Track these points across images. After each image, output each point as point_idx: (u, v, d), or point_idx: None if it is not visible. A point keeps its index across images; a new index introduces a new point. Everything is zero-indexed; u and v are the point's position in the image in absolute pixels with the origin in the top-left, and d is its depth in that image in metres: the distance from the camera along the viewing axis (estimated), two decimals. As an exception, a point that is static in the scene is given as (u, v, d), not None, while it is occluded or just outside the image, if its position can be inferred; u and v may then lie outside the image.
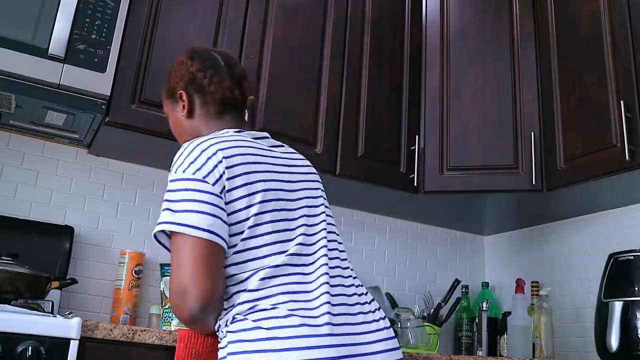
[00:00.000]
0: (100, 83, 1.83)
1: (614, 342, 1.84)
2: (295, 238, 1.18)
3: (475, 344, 2.52)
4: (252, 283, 1.11)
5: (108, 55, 1.85)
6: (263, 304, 1.09)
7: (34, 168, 2.15)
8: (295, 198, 1.23)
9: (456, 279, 2.52)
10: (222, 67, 1.36)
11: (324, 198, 1.32)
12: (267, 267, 1.12)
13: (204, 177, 1.12)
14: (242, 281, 1.12)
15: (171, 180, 1.15)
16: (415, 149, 2.37)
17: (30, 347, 1.36)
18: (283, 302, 1.08)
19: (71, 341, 1.43)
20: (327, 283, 1.14)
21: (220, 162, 1.14)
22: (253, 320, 1.07)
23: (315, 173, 1.36)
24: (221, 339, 1.14)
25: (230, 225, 1.12)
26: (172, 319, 2.09)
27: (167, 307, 2.12)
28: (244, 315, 1.09)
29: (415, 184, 2.31)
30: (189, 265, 1.07)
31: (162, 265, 2.19)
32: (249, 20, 2.21)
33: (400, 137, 2.39)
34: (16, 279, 1.57)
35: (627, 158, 1.87)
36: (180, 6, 2.10)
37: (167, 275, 2.16)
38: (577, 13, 2.21)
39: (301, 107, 2.23)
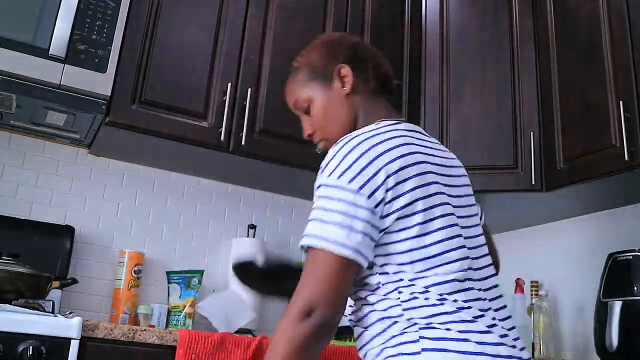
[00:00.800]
0: (100, 83, 1.84)
1: (613, 341, 1.84)
2: (463, 249, 1.08)
3: (475, 344, 2.52)
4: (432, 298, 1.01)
5: (108, 56, 1.85)
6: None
7: (35, 168, 2.15)
8: (462, 205, 1.14)
9: (456, 279, 2.52)
10: (373, 48, 1.29)
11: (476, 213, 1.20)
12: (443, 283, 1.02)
13: (359, 189, 1.00)
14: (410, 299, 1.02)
15: (323, 185, 1.04)
16: (415, 149, 2.37)
17: (31, 347, 1.36)
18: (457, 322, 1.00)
19: (72, 341, 1.44)
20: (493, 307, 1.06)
21: (380, 170, 1.02)
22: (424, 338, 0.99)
23: (467, 175, 1.23)
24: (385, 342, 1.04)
25: (395, 231, 1.03)
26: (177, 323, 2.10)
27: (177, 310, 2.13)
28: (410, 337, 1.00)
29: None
30: (328, 286, 0.98)
31: (169, 273, 2.20)
32: (249, 20, 2.22)
33: (400, 137, 2.39)
34: (17, 279, 1.58)
35: (626, 158, 1.87)
36: (181, 7, 2.11)
37: (174, 283, 2.17)
38: (577, 13, 2.21)
39: (301, 107, 2.24)
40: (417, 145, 1.11)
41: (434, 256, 1.04)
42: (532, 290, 2.41)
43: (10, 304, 1.53)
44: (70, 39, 1.80)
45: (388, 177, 1.02)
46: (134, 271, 2.14)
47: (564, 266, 2.47)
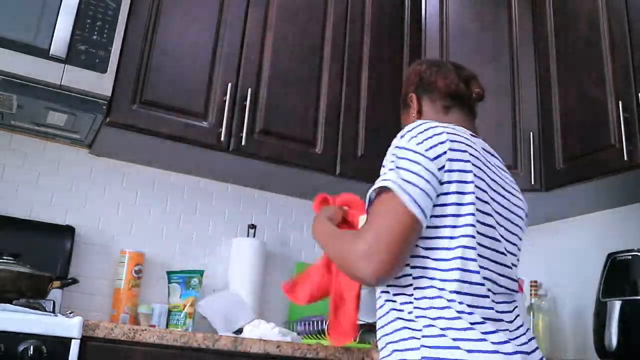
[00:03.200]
0: (101, 83, 1.84)
1: (612, 341, 1.84)
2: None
3: (474, 344, 2.52)
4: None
5: (109, 56, 1.86)
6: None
7: (35, 168, 2.16)
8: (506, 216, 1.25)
9: (456, 279, 2.52)
10: (448, 66, 1.41)
11: (520, 228, 1.32)
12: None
13: (433, 159, 1.12)
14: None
15: (402, 148, 1.15)
16: (414, 149, 2.38)
17: (31, 347, 1.37)
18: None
19: (72, 340, 1.44)
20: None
21: (444, 142, 1.15)
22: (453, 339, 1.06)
23: (519, 196, 1.35)
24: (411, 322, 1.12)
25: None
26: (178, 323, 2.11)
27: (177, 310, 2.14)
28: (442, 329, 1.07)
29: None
30: (391, 234, 1.06)
31: (169, 273, 2.21)
32: (249, 20, 2.22)
33: (400, 137, 2.40)
34: (18, 279, 1.58)
35: (625, 158, 1.88)
36: (181, 7, 2.11)
37: (174, 282, 2.18)
38: (576, 13, 2.22)
39: (301, 107, 2.24)
40: (475, 150, 1.23)
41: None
42: (531, 290, 2.41)
43: (11, 303, 1.53)
44: (70, 39, 1.80)
45: (450, 150, 1.15)
46: (135, 271, 2.14)
47: (563, 266, 2.47)
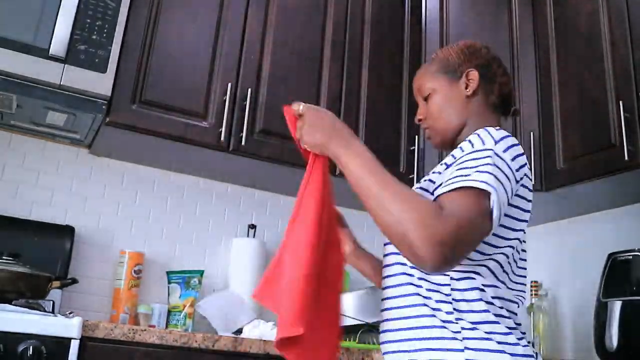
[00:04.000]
0: (100, 83, 1.84)
1: (613, 341, 1.84)
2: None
3: (475, 344, 2.52)
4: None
5: (109, 56, 1.86)
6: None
7: (35, 168, 2.15)
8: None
9: (456, 279, 2.52)
10: (507, 70, 1.37)
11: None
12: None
13: (517, 181, 1.10)
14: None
15: (499, 157, 1.08)
16: (414, 149, 2.38)
17: (31, 347, 1.36)
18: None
19: (72, 341, 1.44)
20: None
21: (524, 166, 1.13)
22: (498, 342, 1.07)
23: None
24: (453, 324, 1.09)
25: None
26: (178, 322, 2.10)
27: (177, 310, 2.13)
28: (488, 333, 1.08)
29: (414, 184, 2.31)
30: (470, 232, 1.00)
31: (169, 273, 2.21)
32: (249, 20, 2.22)
33: (400, 137, 2.40)
34: (17, 279, 1.58)
35: (625, 158, 1.88)
36: (181, 6, 2.11)
37: (174, 283, 2.17)
38: (576, 13, 2.21)
39: (301, 107, 2.24)
40: None
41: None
42: (532, 290, 2.41)
43: (11, 303, 1.53)
44: (70, 39, 1.80)
45: (526, 176, 1.14)
46: (134, 271, 2.14)
47: (564, 266, 2.47)
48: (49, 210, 2.14)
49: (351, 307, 2.11)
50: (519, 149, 1.12)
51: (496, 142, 1.09)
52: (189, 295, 2.14)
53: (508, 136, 1.11)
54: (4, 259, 1.62)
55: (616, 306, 1.86)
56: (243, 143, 2.08)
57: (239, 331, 2.07)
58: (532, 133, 2.27)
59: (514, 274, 1.19)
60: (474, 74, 1.29)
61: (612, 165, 1.95)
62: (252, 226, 2.44)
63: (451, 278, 1.10)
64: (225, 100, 2.08)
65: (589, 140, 2.06)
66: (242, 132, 2.09)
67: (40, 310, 1.58)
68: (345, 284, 1.89)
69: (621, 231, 2.26)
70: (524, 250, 1.26)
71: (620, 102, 1.93)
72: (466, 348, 1.05)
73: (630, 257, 1.91)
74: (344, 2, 2.43)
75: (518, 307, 1.16)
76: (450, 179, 1.06)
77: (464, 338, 1.06)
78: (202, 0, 2.15)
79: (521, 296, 1.20)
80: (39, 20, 1.77)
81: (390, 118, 2.40)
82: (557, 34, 2.30)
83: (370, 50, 2.44)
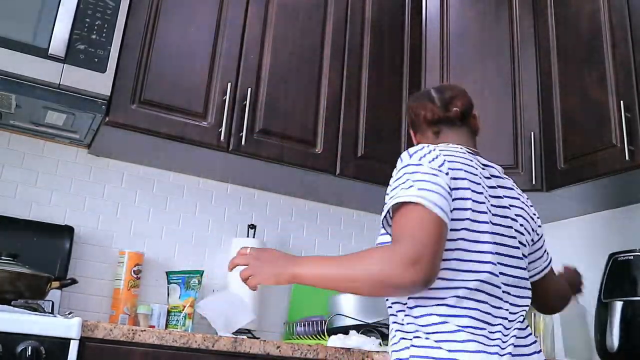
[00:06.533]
0: (100, 83, 1.83)
1: (614, 342, 1.84)
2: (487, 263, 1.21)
3: (475, 344, 2.52)
4: (451, 300, 1.15)
5: (108, 56, 1.85)
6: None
7: (34, 168, 2.15)
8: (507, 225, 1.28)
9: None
10: (426, 96, 1.45)
11: (527, 231, 1.35)
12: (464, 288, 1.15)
13: (439, 167, 1.18)
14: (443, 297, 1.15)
15: (412, 165, 1.19)
16: (415, 149, 2.38)
17: (30, 347, 1.36)
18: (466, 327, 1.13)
19: (71, 341, 1.44)
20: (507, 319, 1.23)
21: (445, 161, 1.21)
22: (435, 341, 1.12)
23: (522, 208, 1.36)
24: (397, 332, 1.20)
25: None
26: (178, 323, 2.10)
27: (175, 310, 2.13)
28: (427, 333, 1.13)
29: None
30: (428, 237, 1.07)
31: (169, 273, 2.20)
32: (249, 20, 2.21)
33: (400, 137, 2.39)
34: (16, 279, 1.58)
35: (626, 158, 1.87)
36: (181, 6, 2.11)
37: (173, 283, 2.17)
38: (577, 13, 2.21)
39: (301, 107, 2.24)
40: (470, 160, 1.28)
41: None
42: (532, 291, 2.40)
43: (10, 304, 1.53)
44: (69, 39, 1.79)
45: (450, 169, 1.21)
46: (134, 271, 2.13)
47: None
48: (48, 210, 2.14)
49: (351, 307, 2.10)
50: (434, 154, 1.21)
51: (410, 156, 1.21)
52: (188, 296, 2.14)
53: (421, 149, 1.22)
54: (3, 259, 1.62)
55: (617, 306, 1.86)
56: (243, 143, 2.08)
57: (239, 331, 2.07)
58: (532, 133, 2.26)
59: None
60: (412, 134, 1.51)
61: (613, 165, 1.95)
62: (252, 226, 2.44)
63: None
64: (225, 100, 2.08)
65: (589, 141, 2.05)
66: (242, 132, 2.08)
67: (39, 311, 1.57)
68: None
69: (622, 231, 2.26)
70: (515, 248, 1.30)
71: (622, 102, 1.92)
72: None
73: (631, 257, 1.91)
74: (344, 2, 2.42)
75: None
76: (385, 204, 1.18)
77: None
78: (202, 0, 2.15)
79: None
80: (39, 19, 1.77)
81: (390, 118, 2.39)
82: (557, 33, 2.29)
83: (370, 50, 2.43)
